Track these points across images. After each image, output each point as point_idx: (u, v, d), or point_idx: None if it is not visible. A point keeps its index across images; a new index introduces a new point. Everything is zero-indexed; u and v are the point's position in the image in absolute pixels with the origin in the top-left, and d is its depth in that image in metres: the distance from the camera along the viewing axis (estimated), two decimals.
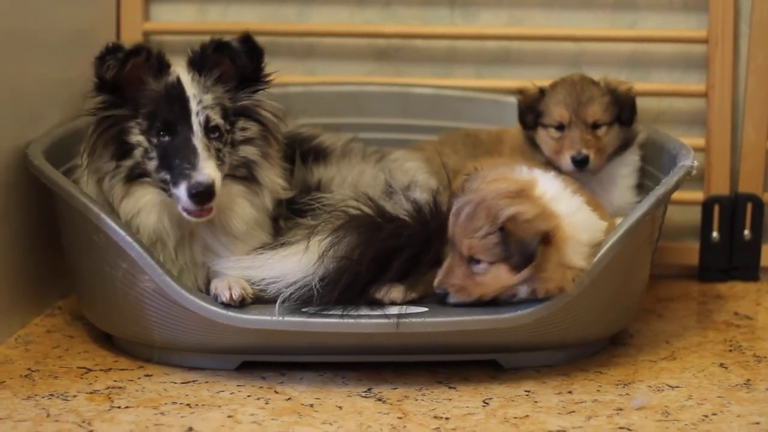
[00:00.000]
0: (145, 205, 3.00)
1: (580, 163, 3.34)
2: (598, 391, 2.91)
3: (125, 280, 2.95)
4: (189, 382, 2.92)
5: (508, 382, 2.94)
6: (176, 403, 2.80)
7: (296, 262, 2.89)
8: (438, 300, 2.89)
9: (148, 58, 2.98)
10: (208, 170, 2.91)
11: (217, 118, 2.99)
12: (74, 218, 3.02)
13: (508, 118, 3.68)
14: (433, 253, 2.95)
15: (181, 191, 2.91)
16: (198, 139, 2.95)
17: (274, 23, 3.88)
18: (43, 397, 2.82)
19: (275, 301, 2.85)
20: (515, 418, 2.75)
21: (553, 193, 2.89)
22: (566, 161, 3.36)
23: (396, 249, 2.91)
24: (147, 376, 2.96)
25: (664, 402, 2.84)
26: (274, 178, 3.11)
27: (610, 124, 3.40)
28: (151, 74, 3.00)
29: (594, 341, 3.11)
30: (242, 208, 3.06)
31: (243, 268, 2.94)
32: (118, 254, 2.92)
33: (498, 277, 2.83)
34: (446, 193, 3.06)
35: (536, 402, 2.83)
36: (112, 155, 2.99)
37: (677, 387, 2.93)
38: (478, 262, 2.83)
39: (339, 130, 3.55)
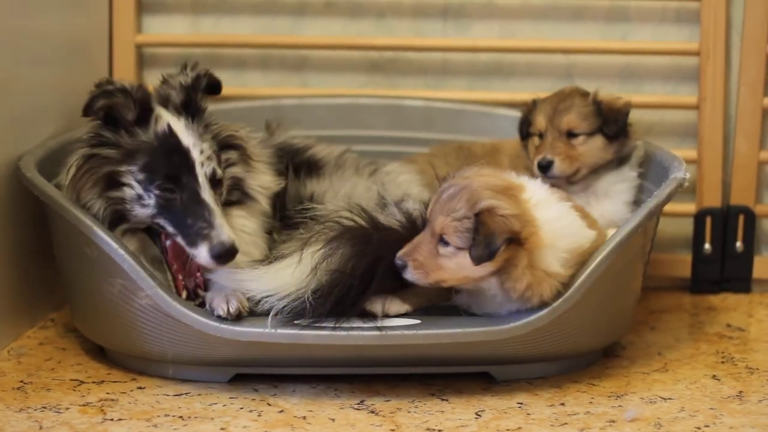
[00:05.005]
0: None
1: (544, 168, 3.35)
2: (591, 403, 2.91)
3: (117, 293, 2.94)
4: (182, 394, 2.92)
5: (500, 394, 2.94)
6: (169, 415, 2.80)
7: (290, 275, 2.89)
8: (396, 269, 2.84)
9: (132, 100, 2.90)
10: (227, 230, 2.87)
11: (219, 170, 2.95)
12: (66, 231, 3.02)
13: (500, 130, 3.69)
14: None
15: (202, 252, 2.86)
16: (207, 194, 2.89)
17: (267, 36, 3.88)
18: (35, 410, 2.82)
19: (268, 314, 2.85)
20: (508, 430, 2.75)
21: (538, 199, 2.89)
22: (534, 166, 3.37)
23: (389, 261, 2.90)
24: (140, 388, 2.96)
25: (656, 414, 2.84)
26: (262, 180, 3.09)
27: (589, 134, 3.40)
28: (134, 119, 2.91)
29: (586, 353, 3.12)
30: (242, 226, 3.03)
31: (238, 281, 2.93)
32: (111, 267, 2.92)
33: (461, 265, 2.81)
34: None
35: (529, 414, 2.83)
36: (99, 193, 2.94)
37: (670, 399, 2.94)
38: (446, 244, 2.82)
39: (332, 142, 3.54)
